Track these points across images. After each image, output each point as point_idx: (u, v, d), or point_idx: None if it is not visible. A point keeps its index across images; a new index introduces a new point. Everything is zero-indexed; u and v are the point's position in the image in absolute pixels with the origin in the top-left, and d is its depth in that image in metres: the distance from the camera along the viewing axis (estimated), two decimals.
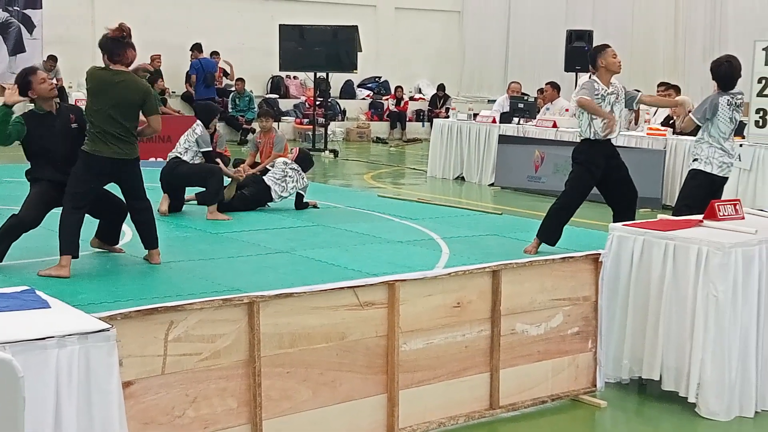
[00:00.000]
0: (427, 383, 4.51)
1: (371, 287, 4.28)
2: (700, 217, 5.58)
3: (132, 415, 3.45)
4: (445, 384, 4.58)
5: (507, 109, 15.29)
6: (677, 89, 13.87)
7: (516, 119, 14.75)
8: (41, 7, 19.81)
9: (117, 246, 8.40)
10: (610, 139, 8.58)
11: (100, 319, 3.26)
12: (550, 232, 8.73)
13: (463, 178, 15.06)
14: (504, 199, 13.03)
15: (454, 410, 4.62)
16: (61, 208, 7.61)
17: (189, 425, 3.73)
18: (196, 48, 20.58)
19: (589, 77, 8.57)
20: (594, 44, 17.64)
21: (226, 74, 21.59)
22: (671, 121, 13.04)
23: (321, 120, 19.63)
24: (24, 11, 19.64)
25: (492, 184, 14.37)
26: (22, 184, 8.08)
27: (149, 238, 7.97)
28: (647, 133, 12.62)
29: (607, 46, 8.70)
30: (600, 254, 5.10)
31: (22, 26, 19.65)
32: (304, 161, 11.65)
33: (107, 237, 8.33)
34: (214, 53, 21.33)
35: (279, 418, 4.00)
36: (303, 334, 4.08)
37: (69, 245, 7.40)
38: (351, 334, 4.22)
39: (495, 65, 25.26)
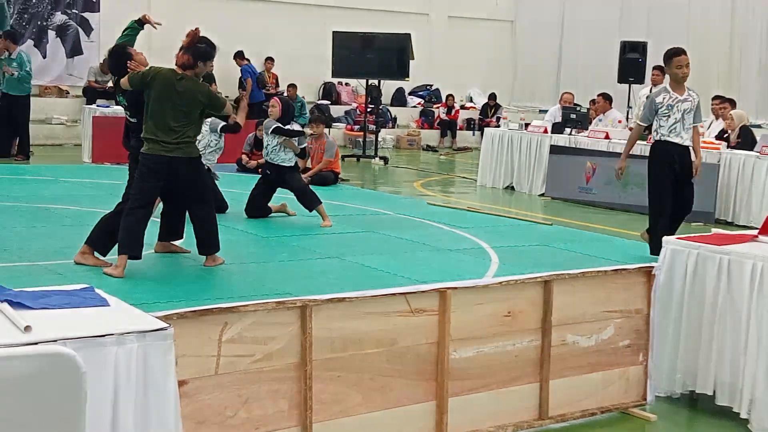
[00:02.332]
0: (476, 392, 4.51)
1: (423, 294, 4.30)
2: (755, 232, 5.52)
3: (186, 414, 3.49)
4: (494, 393, 4.58)
5: (559, 119, 15.22)
6: (732, 103, 13.72)
7: (568, 130, 14.68)
8: (99, 11, 20.10)
9: (177, 243, 8.41)
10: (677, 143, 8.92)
11: (157, 318, 3.31)
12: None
13: (513, 188, 15.02)
14: (554, 210, 12.98)
15: (503, 419, 4.62)
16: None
17: (241, 426, 3.77)
18: (239, 55, 20.74)
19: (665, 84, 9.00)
20: (648, 56, 17.59)
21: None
22: (725, 135, 12.90)
23: (372, 127, 19.70)
24: (82, 14, 19.95)
25: (542, 195, 14.31)
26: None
27: (205, 244, 7.93)
28: (701, 147, 12.48)
29: (677, 53, 8.79)
30: (653, 267, 5.07)
31: (80, 29, 19.95)
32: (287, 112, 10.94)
33: (169, 233, 8.33)
34: (268, 59, 21.49)
35: (329, 422, 4.03)
36: (354, 339, 4.11)
37: (124, 245, 7.50)
38: (402, 340, 4.24)
39: (547, 75, 25.16)
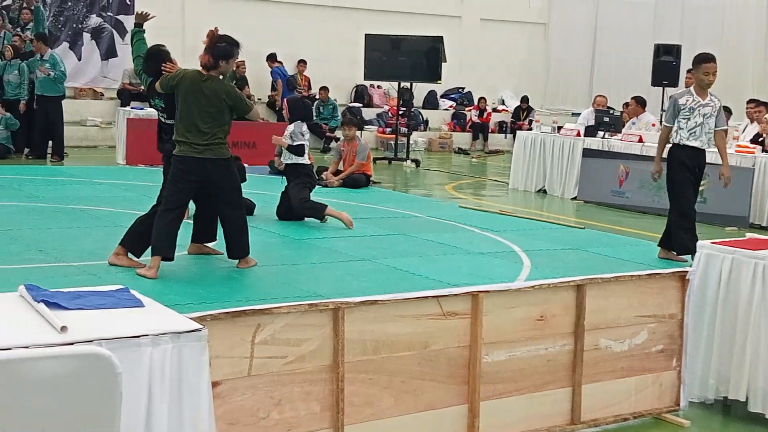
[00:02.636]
0: (508, 395, 4.50)
1: (455, 297, 4.30)
2: None
3: (219, 414, 3.51)
4: (526, 397, 4.56)
5: (592, 122, 15.16)
6: (767, 106, 13.60)
7: (601, 133, 14.61)
8: (133, 13, 20.23)
9: (210, 245, 8.44)
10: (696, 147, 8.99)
11: (191, 319, 3.33)
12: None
13: (545, 191, 14.96)
14: (587, 214, 12.92)
15: (535, 424, 4.60)
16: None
17: (273, 427, 3.79)
18: (271, 58, 20.82)
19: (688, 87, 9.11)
20: (681, 59, 17.46)
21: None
22: (761, 139, 12.79)
23: (404, 129, 19.70)
24: (117, 17, 20.11)
25: (575, 198, 14.25)
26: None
27: (233, 248, 7.93)
28: (736, 151, 12.39)
29: (706, 60, 8.86)
30: (687, 272, 5.04)
31: (114, 31, 20.11)
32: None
33: (202, 235, 8.36)
34: (301, 62, 21.57)
35: (361, 424, 4.03)
36: (386, 342, 4.11)
37: (158, 247, 7.55)
38: (434, 343, 4.24)
39: (580, 78, 25.05)
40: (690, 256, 8.49)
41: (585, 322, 4.68)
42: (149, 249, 7.63)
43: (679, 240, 8.93)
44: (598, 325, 4.75)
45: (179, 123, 7.65)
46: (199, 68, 7.70)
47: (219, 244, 8.36)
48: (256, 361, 3.73)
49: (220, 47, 7.65)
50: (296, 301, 3.98)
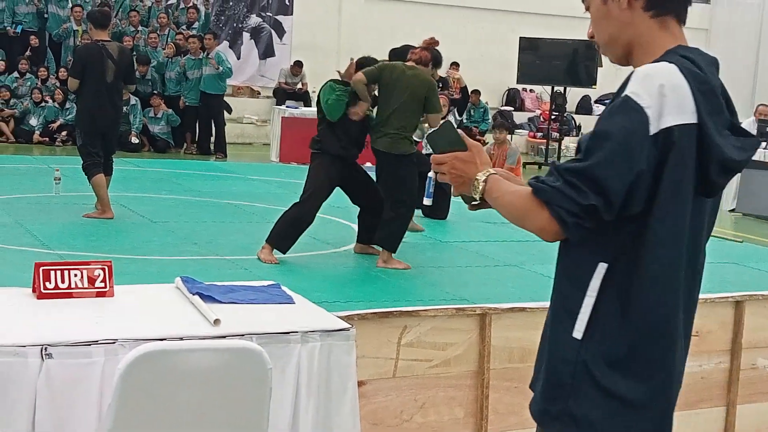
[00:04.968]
0: None
1: None
2: None
3: (362, 414, 3.52)
4: (678, 414, 4.37)
5: (754, 132, 14.59)
6: None
7: (763, 144, 14.05)
8: (292, 14, 20.68)
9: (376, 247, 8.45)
10: None
11: (339, 318, 3.35)
12: None
13: None
14: (746, 227, 12.44)
15: None
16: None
17: (416, 430, 3.77)
18: None
19: None
20: None
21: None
22: None
23: (555, 134, 19.44)
24: (276, 17, 20.56)
25: (733, 210, 13.75)
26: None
27: (381, 236, 8.03)
28: None
29: None
30: None
31: (273, 31, 20.58)
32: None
33: (367, 235, 8.39)
34: (453, 64, 21.56)
35: None
36: (533, 350, 4.00)
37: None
38: None
39: (742, 86, 24.15)
40: None
41: (742, 339, 4.49)
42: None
43: None
44: (756, 344, 4.55)
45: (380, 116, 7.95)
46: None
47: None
48: (401, 363, 3.73)
49: (437, 52, 8.16)
50: (443, 305, 3.96)
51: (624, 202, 2.07)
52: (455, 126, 2.31)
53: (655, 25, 2.26)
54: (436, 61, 8.25)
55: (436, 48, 8.26)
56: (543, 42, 18.92)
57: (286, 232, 7.86)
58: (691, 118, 2.10)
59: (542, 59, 18.76)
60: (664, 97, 2.08)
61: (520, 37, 19.13)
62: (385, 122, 7.90)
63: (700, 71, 2.16)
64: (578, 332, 2.18)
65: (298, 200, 7.99)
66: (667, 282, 2.15)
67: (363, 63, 8.23)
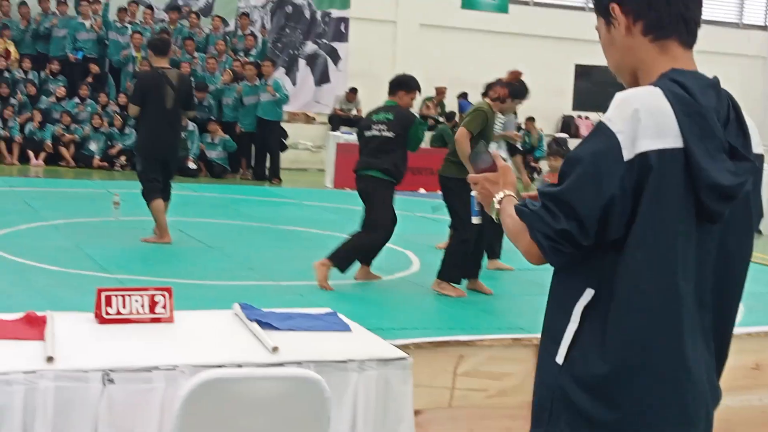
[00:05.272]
0: None
1: None
2: None
3: None
4: None
5: None
6: None
7: None
8: (347, 41, 20.84)
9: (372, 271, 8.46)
10: None
11: (395, 346, 3.36)
12: None
13: (759, 231, 14.27)
14: None
15: None
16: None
17: None
18: (463, 95, 20.77)
19: None
20: None
21: None
22: None
23: None
24: (332, 44, 20.73)
25: None
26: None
27: (442, 269, 8.01)
28: None
29: None
30: None
31: (328, 58, 20.74)
32: None
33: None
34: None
35: None
36: None
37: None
38: None
39: None
40: None
41: None
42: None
43: None
44: None
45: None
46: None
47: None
48: (457, 392, 3.73)
49: (518, 85, 8.55)
50: (498, 334, 3.95)
51: (601, 227, 2.07)
52: (487, 149, 2.39)
53: (655, 50, 2.26)
54: (516, 93, 8.52)
55: (520, 79, 8.66)
56: (599, 69, 18.82)
57: (352, 256, 7.94)
58: (673, 142, 2.08)
59: (597, 86, 18.69)
60: (638, 121, 2.08)
61: (576, 64, 19.08)
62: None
63: (688, 94, 2.14)
64: (560, 357, 2.18)
65: (366, 226, 8.00)
66: (652, 312, 2.09)
67: (402, 82, 8.36)
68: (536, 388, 2.28)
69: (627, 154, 2.06)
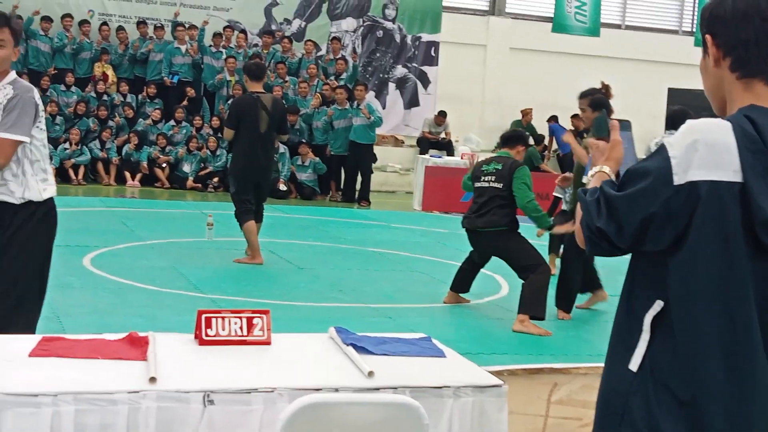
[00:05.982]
0: None
1: None
2: None
3: None
4: None
5: None
6: None
7: None
8: (437, 65, 20.91)
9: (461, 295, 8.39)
10: None
11: (490, 373, 3.35)
12: None
13: None
14: None
15: None
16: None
17: None
18: (553, 118, 20.60)
19: None
20: None
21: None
22: None
23: None
24: (421, 68, 20.83)
25: None
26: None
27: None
28: None
29: None
30: None
31: (418, 82, 20.84)
32: None
33: (460, 285, 8.36)
34: None
35: None
36: None
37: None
38: None
39: None
40: None
41: None
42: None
43: None
44: None
45: None
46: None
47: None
48: (551, 420, 3.70)
49: (598, 98, 8.64)
50: (592, 362, 3.91)
51: (638, 237, 2.18)
52: (607, 119, 2.56)
53: (740, 86, 2.30)
54: (597, 105, 8.39)
55: (602, 92, 8.86)
56: (692, 93, 18.54)
57: (539, 299, 7.59)
58: (732, 176, 2.13)
59: (692, 110, 18.37)
60: (695, 151, 2.15)
61: (669, 88, 18.83)
62: None
63: (756, 132, 2.17)
64: (634, 365, 2.24)
65: (526, 270, 7.64)
66: (704, 336, 2.15)
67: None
68: (605, 394, 2.34)
69: (677, 180, 2.15)
